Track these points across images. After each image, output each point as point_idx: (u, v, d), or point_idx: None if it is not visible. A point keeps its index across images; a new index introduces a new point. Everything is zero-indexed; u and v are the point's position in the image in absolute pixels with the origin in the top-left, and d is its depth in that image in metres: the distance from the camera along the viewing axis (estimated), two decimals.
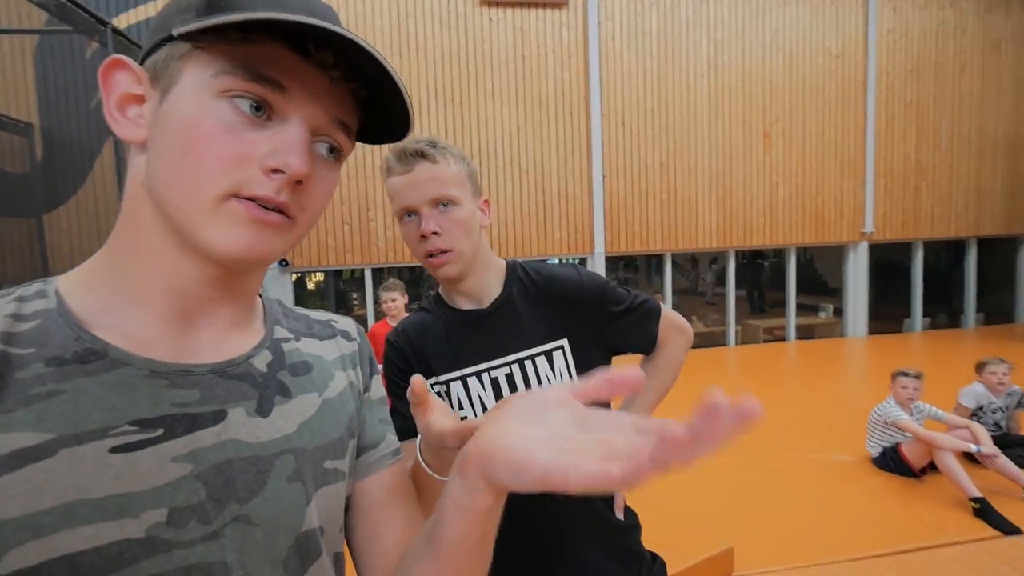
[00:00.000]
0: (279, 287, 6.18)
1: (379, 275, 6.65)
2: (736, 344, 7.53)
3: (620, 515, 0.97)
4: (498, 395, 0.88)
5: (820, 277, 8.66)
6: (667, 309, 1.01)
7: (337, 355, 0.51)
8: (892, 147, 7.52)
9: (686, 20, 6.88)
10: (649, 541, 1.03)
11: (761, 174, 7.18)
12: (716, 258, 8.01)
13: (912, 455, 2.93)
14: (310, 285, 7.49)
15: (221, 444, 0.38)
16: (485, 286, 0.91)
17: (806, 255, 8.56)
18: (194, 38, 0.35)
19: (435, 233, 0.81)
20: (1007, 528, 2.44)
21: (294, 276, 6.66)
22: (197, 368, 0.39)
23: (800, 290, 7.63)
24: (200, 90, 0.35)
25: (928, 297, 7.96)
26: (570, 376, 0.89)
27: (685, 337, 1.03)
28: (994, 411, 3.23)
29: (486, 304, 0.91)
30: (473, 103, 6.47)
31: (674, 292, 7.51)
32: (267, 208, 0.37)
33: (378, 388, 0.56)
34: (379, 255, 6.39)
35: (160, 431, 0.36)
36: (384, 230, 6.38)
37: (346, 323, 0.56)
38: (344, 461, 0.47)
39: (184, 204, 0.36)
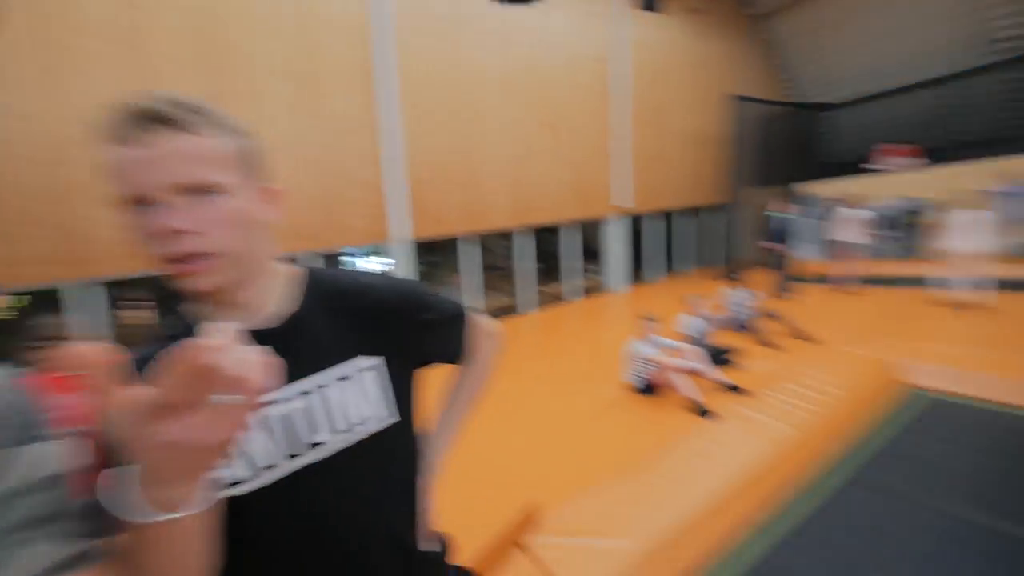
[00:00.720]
0: None
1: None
2: (536, 310, 8.28)
3: (427, 544, 0.83)
4: (289, 431, 0.67)
5: (589, 246, 10.13)
6: (473, 314, 0.93)
7: None
8: (642, 136, 9.18)
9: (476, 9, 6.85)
10: (455, 522, 1.03)
11: (552, 161, 7.85)
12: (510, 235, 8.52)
13: (654, 378, 3.80)
14: None
15: None
16: (267, 299, 0.70)
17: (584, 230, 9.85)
18: None
19: (184, 231, 0.57)
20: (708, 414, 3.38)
21: None
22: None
23: (574, 256, 8.75)
24: None
25: (669, 254, 10.12)
26: (383, 396, 0.74)
27: (494, 341, 0.98)
28: (699, 332, 4.57)
29: (270, 323, 0.69)
30: (229, 70, 5.23)
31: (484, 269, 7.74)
32: None
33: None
34: (100, 264, 4.75)
35: None
36: (106, 225, 4.75)
37: None
38: None
39: None
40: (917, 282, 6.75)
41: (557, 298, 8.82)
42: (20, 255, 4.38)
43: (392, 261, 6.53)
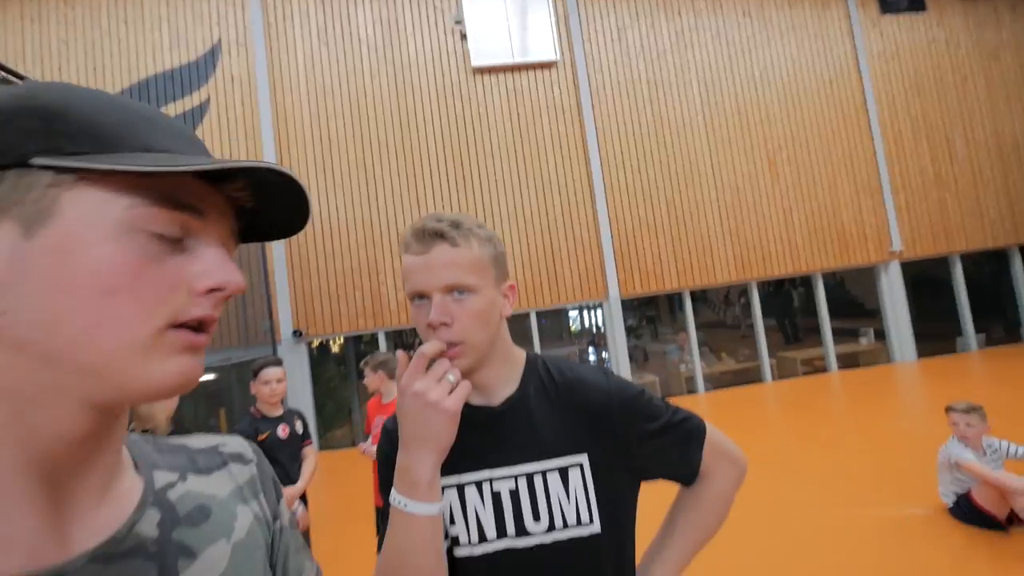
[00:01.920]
0: (295, 357, 6.15)
1: (394, 338, 6.55)
2: (773, 379, 6.94)
3: None
4: (498, 512, 0.73)
5: (855, 299, 8.07)
6: (715, 431, 0.83)
7: (233, 487, 0.45)
8: (906, 162, 7.17)
9: (674, 67, 6.96)
10: None
11: (772, 201, 6.90)
12: (745, 290, 7.60)
13: (986, 502, 2.44)
14: (334, 349, 7.47)
15: None
16: (498, 381, 0.78)
17: (836, 278, 8.03)
18: (67, 169, 0.30)
19: (444, 324, 0.71)
20: None
21: (315, 344, 6.64)
22: (72, 564, 0.32)
23: (835, 315, 7.08)
24: (109, 223, 0.31)
25: (978, 312, 7.25)
26: (587, 500, 0.73)
27: (737, 469, 0.84)
28: None
29: (496, 401, 0.78)
30: (473, 164, 6.57)
31: (700, 327, 7.10)
32: (196, 331, 0.35)
33: (285, 512, 0.50)
34: (391, 318, 6.33)
35: None
36: (395, 292, 6.35)
37: (237, 444, 0.49)
38: None
39: (110, 345, 0.31)
40: None
41: (811, 365, 7.24)
42: (343, 311, 6.27)
43: (604, 315, 6.64)
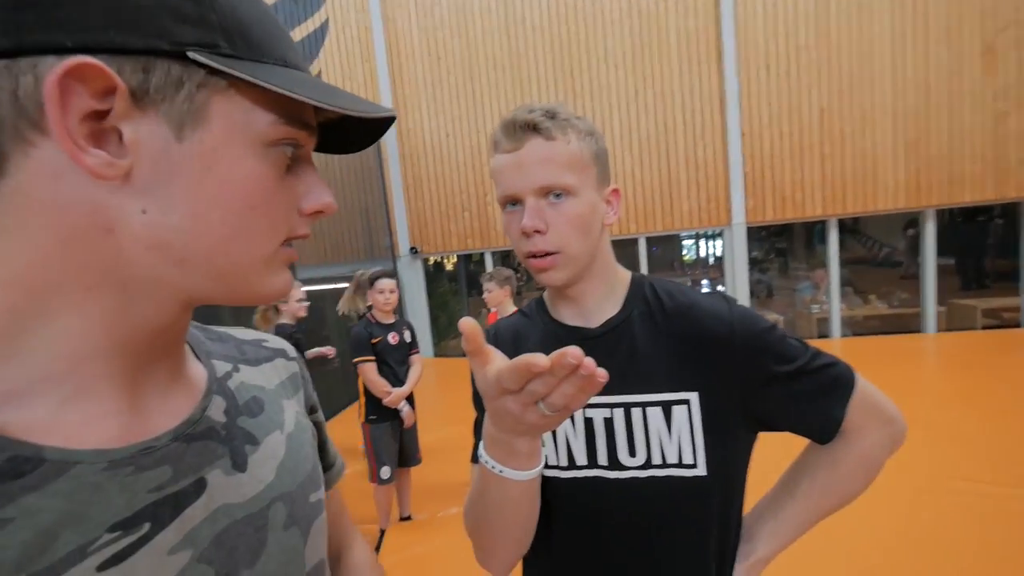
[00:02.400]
0: (412, 272, 6.65)
1: (499, 258, 6.69)
2: (939, 330, 5.75)
3: None
4: (590, 439, 0.68)
5: None
6: (866, 384, 0.69)
7: (278, 381, 0.48)
8: None
9: None
10: None
11: (978, 104, 5.22)
12: (915, 219, 6.19)
13: None
14: (448, 266, 7.95)
15: (213, 515, 0.35)
16: (598, 300, 0.71)
17: None
18: (216, 71, 0.29)
19: (539, 231, 0.63)
20: None
21: (431, 261, 7.10)
22: (158, 441, 0.34)
23: None
24: (253, 136, 0.31)
25: None
26: (691, 442, 0.65)
27: (891, 431, 0.69)
28: None
29: (595, 323, 0.70)
30: (584, 74, 5.97)
31: (846, 263, 6.03)
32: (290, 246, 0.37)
33: (314, 406, 0.53)
34: (498, 239, 6.41)
35: (146, 526, 0.32)
36: (501, 214, 6.35)
37: (278, 341, 0.52)
38: (321, 488, 0.47)
39: (243, 257, 0.33)
40: None
41: (996, 317, 5.83)
42: (452, 231, 6.50)
43: (724, 246, 5.96)
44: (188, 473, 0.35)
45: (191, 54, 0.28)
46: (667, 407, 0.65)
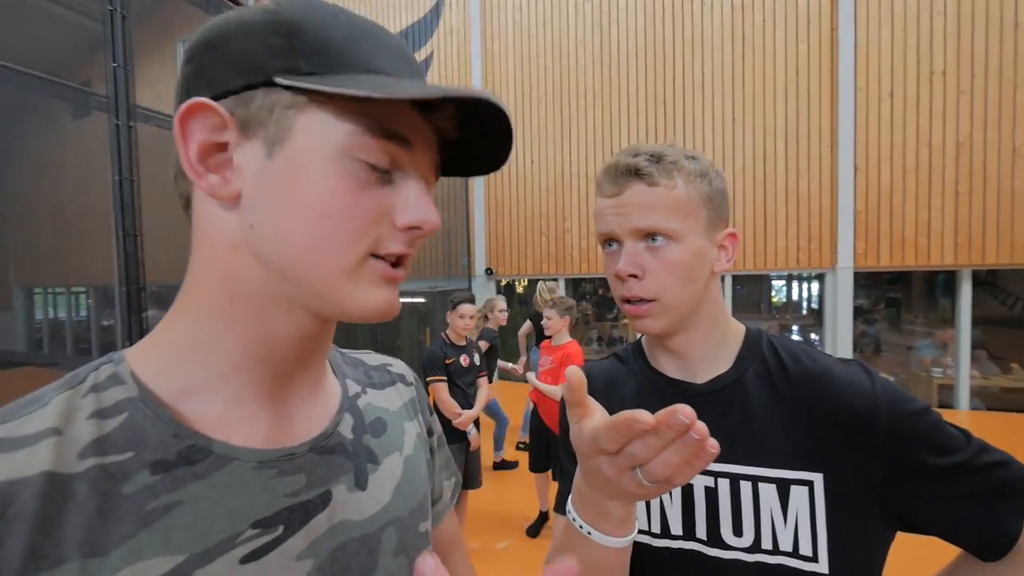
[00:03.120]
0: (486, 293, 6.65)
1: (575, 285, 6.50)
2: None
3: None
4: (687, 509, 0.60)
5: None
6: None
7: (400, 404, 0.49)
8: None
9: None
10: None
11: None
12: None
13: None
14: (519, 289, 7.89)
15: (333, 528, 0.37)
16: (704, 353, 0.64)
17: None
18: (303, 90, 0.31)
19: (634, 276, 0.60)
20: None
21: (503, 282, 7.08)
22: (298, 449, 0.37)
23: None
24: (330, 148, 0.32)
25: None
26: (811, 530, 0.55)
27: None
28: None
29: (700, 379, 0.64)
30: (679, 101, 5.72)
31: (979, 323, 5.10)
32: (394, 265, 0.36)
33: (436, 426, 0.54)
34: (573, 266, 6.25)
35: (280, 529, 0.34)
36: (579, 240, 6.21)
37: (400, 366, 0.54)
38: (429, 519, 0.47)
39: (325, 268, 0.33)
40: None
41: None
42: (529, 255, 6.45)
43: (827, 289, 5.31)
44: (318, 484, 0.37)
45: (277, 79, 0.31)
46: (784, 486, 0.57)
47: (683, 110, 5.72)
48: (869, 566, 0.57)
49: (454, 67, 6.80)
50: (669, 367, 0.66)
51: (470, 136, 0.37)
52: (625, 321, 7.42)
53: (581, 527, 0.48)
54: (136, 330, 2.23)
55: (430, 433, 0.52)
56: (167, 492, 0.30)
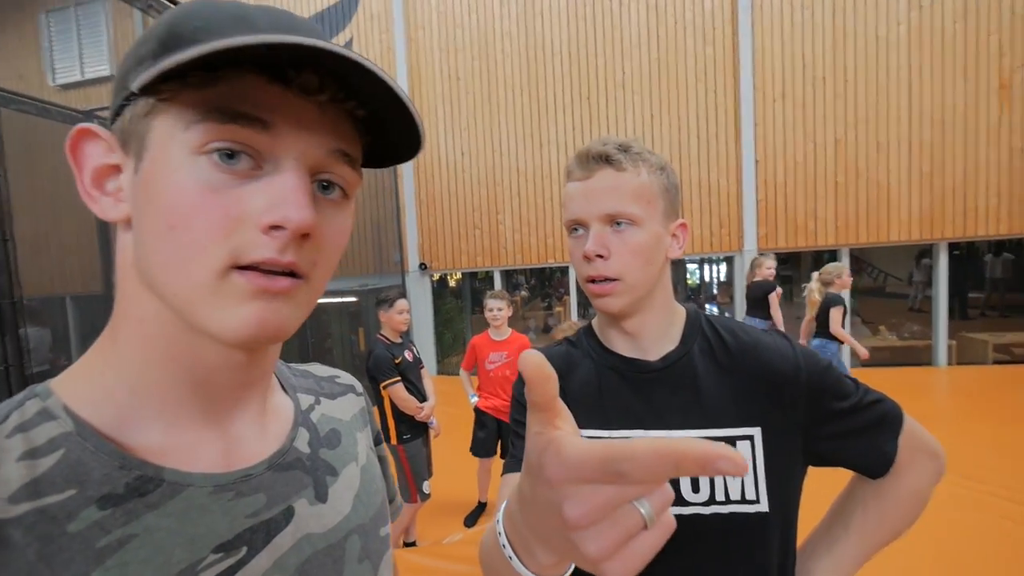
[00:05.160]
0: (420, 288, 6.43)
1: (507, 277, 6.49)
2: (950, 363, 5.52)
3: None
4: None
5: None
6: (912, 421, 0.70)
7: (352, 415, 0.48)
8: None
9: None
10: None
11: (994, 139, 5.11)
12: (926, 251, 6.01)
13: None
14: (451, 283, 7.74)
15: (298, 544, 0.36)
16: (656, 333, 0.69)
17: None
18: (155, 91, 0.28)
19: (600, 256, 0.63)
20: None
21: (435, 277, 6.89)
22: (255, 469, 0.35)
23: None
24: (173, 149, 0.28)
25: None
26: (754, 478, 0.64)
27: (936, 465, 0.71)
28: None
29: (652, 356, 0.69)
30: (602, 99, 5.88)
31: (854, 293, 5.82)
32: (273, 273, 0.29)
33: (378, 437, 0.53)
34: (507, 257, 6.23)
35: (244, 550, 0.32)
36: (512, 233, 6.18)
37: (348, 378, 0.52)
38: (388, 523, 0.46)
39: (180, 287, 0.29)
40: None
41: (1008, 352, 5.61)
42: (463, 248, 6.32)
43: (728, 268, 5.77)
44: (279, 501, 0.35)
45: (132, 86, 0.27)
46: (731, 442, 0.63)
47: (607, 106, 5.88)
48: (795, 499, 0.68)
49: (376, 54, 6.42)
50: (623, 347, 0.70)
51: (377, 111, 0.32)
52: (559, 308, 7.56)
53: (508, 553, 0.35)
54: (12, 351, 1.85)
55: (377, 442, 0.52)
56: (119, 526, 0.28)
